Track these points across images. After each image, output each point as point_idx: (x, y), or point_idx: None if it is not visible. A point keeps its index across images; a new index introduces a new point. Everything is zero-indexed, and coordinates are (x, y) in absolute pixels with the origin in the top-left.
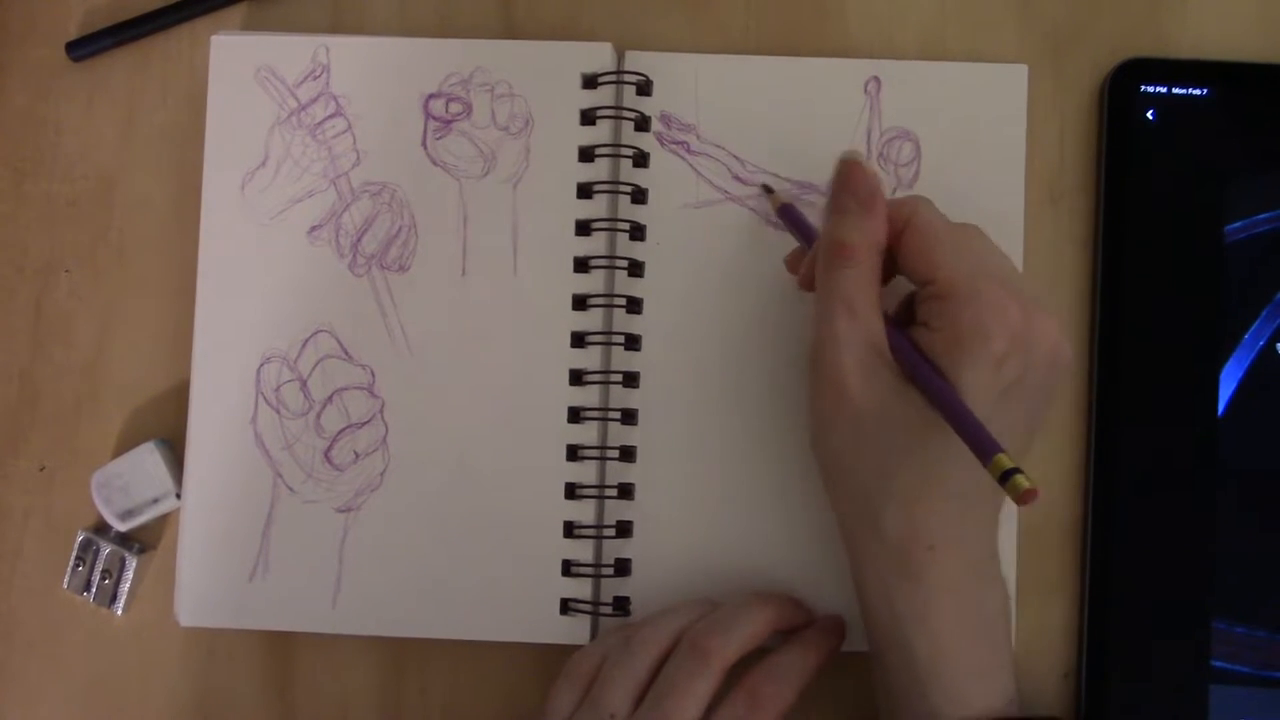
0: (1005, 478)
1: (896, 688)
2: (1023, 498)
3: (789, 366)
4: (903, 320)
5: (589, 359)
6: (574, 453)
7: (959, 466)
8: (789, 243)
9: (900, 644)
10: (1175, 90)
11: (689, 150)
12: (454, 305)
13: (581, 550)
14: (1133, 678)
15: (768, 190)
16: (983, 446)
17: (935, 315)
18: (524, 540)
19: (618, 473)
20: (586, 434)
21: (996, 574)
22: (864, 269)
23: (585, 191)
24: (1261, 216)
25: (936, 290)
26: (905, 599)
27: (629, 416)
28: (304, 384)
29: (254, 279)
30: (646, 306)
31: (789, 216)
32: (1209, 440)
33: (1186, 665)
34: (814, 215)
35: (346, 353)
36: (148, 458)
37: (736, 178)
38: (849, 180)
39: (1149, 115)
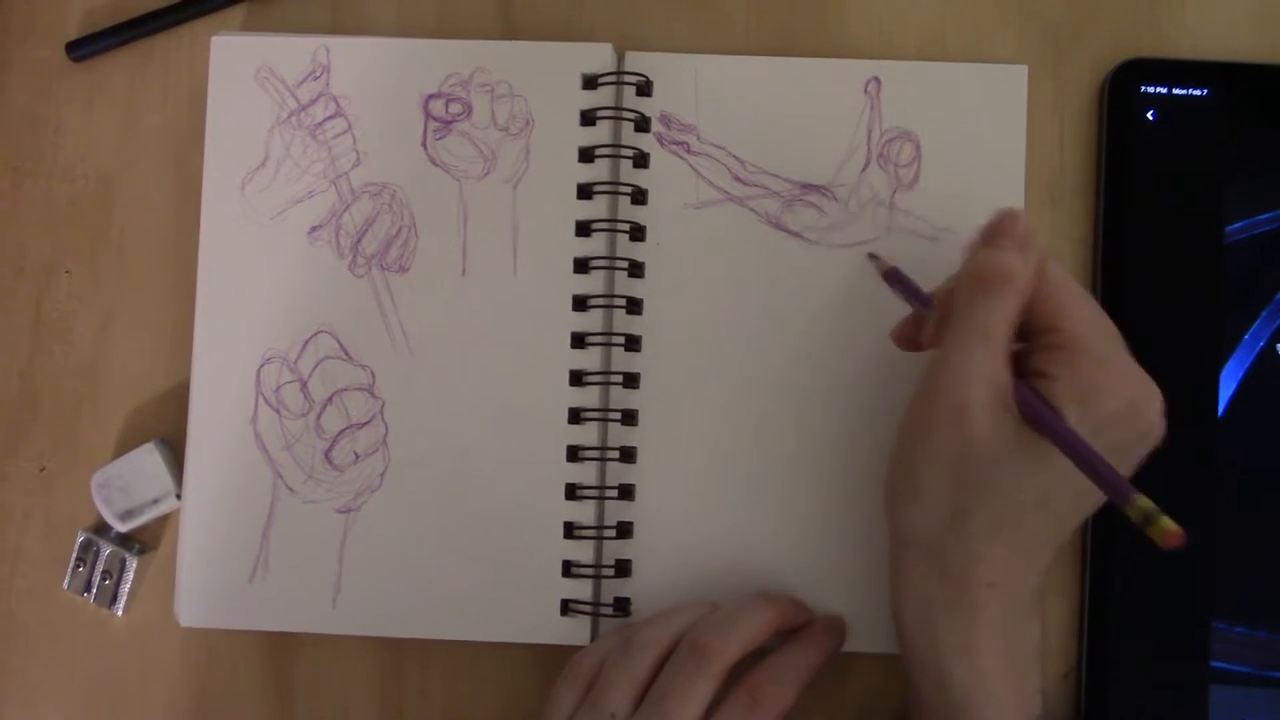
0: (1147, 520)
1: (928, 710)
2: (1168, 539)
3: (789, 366)
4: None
5: (589, 360)
6: (574, 453)
7: (1041, 512)
8: (790, 242)
9: (938, 672)
10: (1175, 90)
11: (689, 150)
12: (454, 305)
13: (582, 551)
14: (1133, 678)
15: (872, 256)
16: (1119, 490)
17: (1055, 365)
18: (524, 541)
19: (618, 473)
20: (587, 435)
21: (1039, 609)
22: (1012, 305)
23: (585, 192)
24: (1261, 217)
25: (1059, 340)
26: (951, 631)
27: (629, 417)
28: (304, 384)
29: (254, 279)
30: (646, 307)
31: (897, 280)
32: (1209, 440)
33: (1186, 665)
34: (813, 215)
35: (346, 353)
36: (148, 458)
37: (736, 178)
38: (1007, 224)
39: (1149, 115)
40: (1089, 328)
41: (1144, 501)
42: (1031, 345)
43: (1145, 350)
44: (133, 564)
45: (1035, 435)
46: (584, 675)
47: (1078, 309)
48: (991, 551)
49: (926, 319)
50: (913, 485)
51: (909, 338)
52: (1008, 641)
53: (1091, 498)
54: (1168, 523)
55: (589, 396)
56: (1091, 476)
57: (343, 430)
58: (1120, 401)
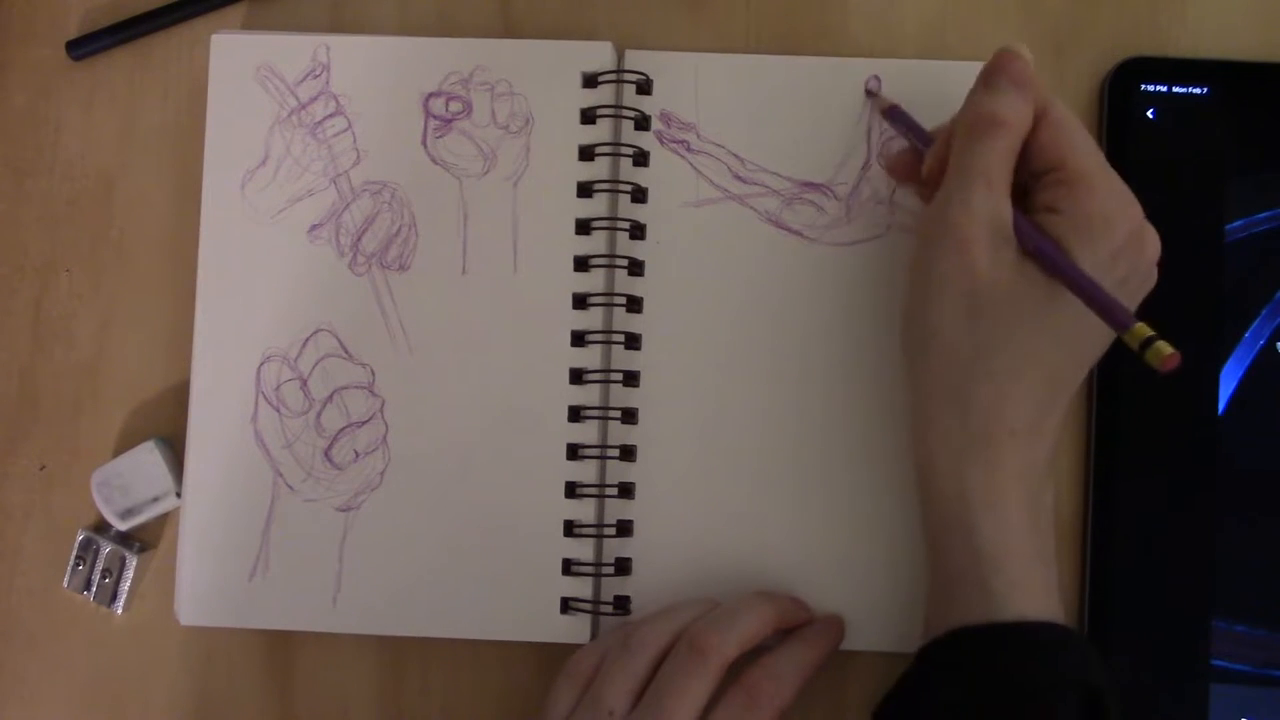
0: (1145, 346)
1: (955, 572)
2: (1166, 363)
3: (789, 364)
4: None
5: (589, 358)
6: (574, 452)
7: (1059, 350)
8: (789, 241)
9: (966, 527)
10: (1175, 89)
11: (689, 149)
12: (454, 304)
13: (582, 549)
14: (1133, 677)
15: (871, 93)
16: (1118, 317)
17: (1061, 199)
18: (524, 539)
19: (618, 472)
20: (587, 433)
21: (1053, 469)
22: (1008, 144)
23: (585, 190)
24: (1261, 216)
25: (1065, 176)
26: (979, 482)
27: (629, 415)
28: (304, 383)
29: (254, 278)
30: (646, 305)
31: (898, 117)
32: (1209, 440)
33: (1186, 665)
34: (813, 213)
35: (347, 352)
36: (147, 457)
37: (736, 176)
38: (1005, 64)
39: (1149, 114)
40: (1092, 163)
41: (1142, 328)
42: (1039, 182)
43: None
44: (132, 562)
45: (1039, 270)
46: (583, 673)
47: (1081, 144)
48: (1013, 394)
49: (926, 154)
50: (928, 328)
51: (905, 169)
52: (1030, 497)
53: (1101, 336)
54: (1165, 346)
55: (589, 395)
56: (1090, 304)
57: (343, 429)
58: (1125, 232)
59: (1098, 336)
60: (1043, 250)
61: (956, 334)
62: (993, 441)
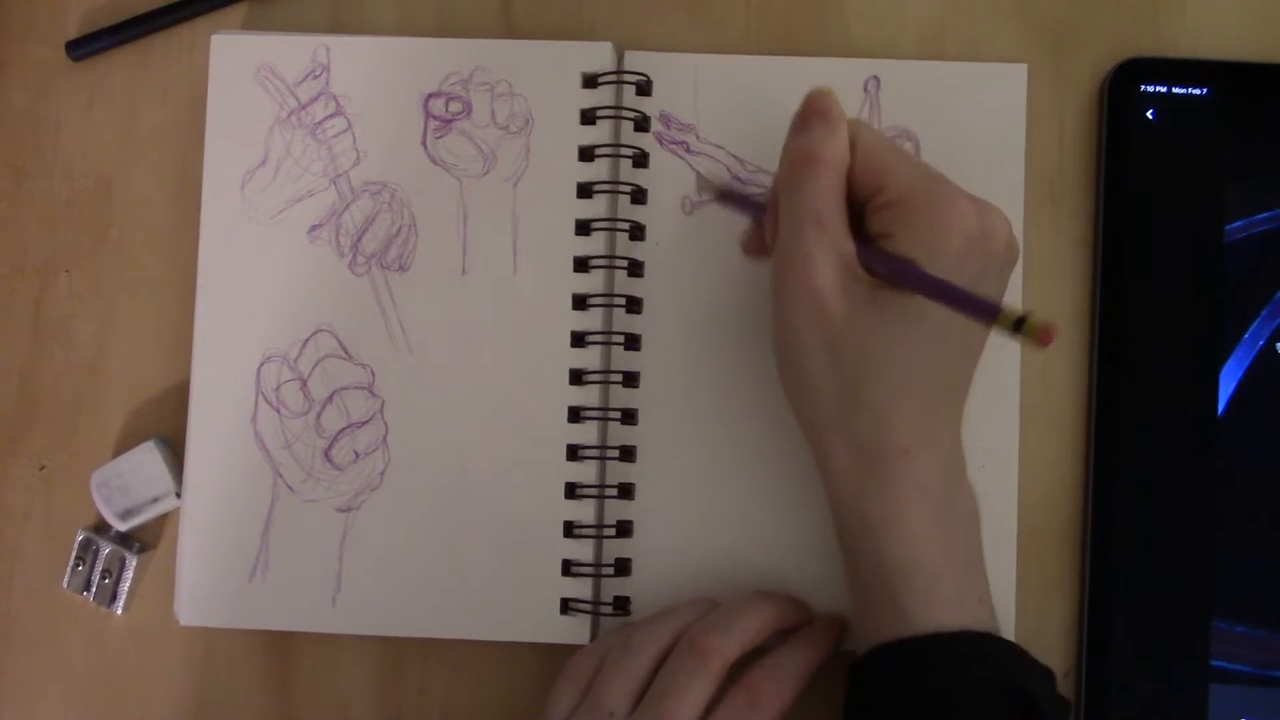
0: (1018, 326)
1: (866, 592)
2: (1042, 336)
3: None
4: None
5: (589, 359)
6: (574, 452)
7: (930, 367)
8: None
9: (871, 549)
10: (1175, 90)
11: (689, 150)
12: (454, 305)
13: (582, 550)
14: (1133, 677)
15: (702, 182)
16: (982, 308)
17: (891, 222)
18: (524, 540)
19: (618, 472)
20: (586, 434)
21: (964, 475)
22: (830, 181)
23: (585, 191)
24: (1261, 216)
25: (889, 198)
26: (877, 504)
27: (629, 416)
28: (304, 383)
29: (254, 279)
30: (646, 306)
31: (732, 198)
32: (1209, 440)
33: (1186, 665)
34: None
35: (346, 352)
36: (147, 457)
37: (736, 178)
38: (811, 102)
39: (1149, 115)
40: (909, 178)
41: (1011, 310)
42: (866, 210)
43: (1145, 349)
44: (132, 563)
45: (893, 293)
46: (584, 674)
47: (897, 164)
48: (896, 416)
49: (765, 221)
50: (800, 378)
51: (756, 245)
52: (935, 509)
53: (970, 343)
54: (1036, 319)
55: (589, 395)
56: (954, 307)
57: (343, 429)
58: (962, 237)
59: (972, 336)
60: (892, 269)
61: (824, 374)
62: (885, 462)
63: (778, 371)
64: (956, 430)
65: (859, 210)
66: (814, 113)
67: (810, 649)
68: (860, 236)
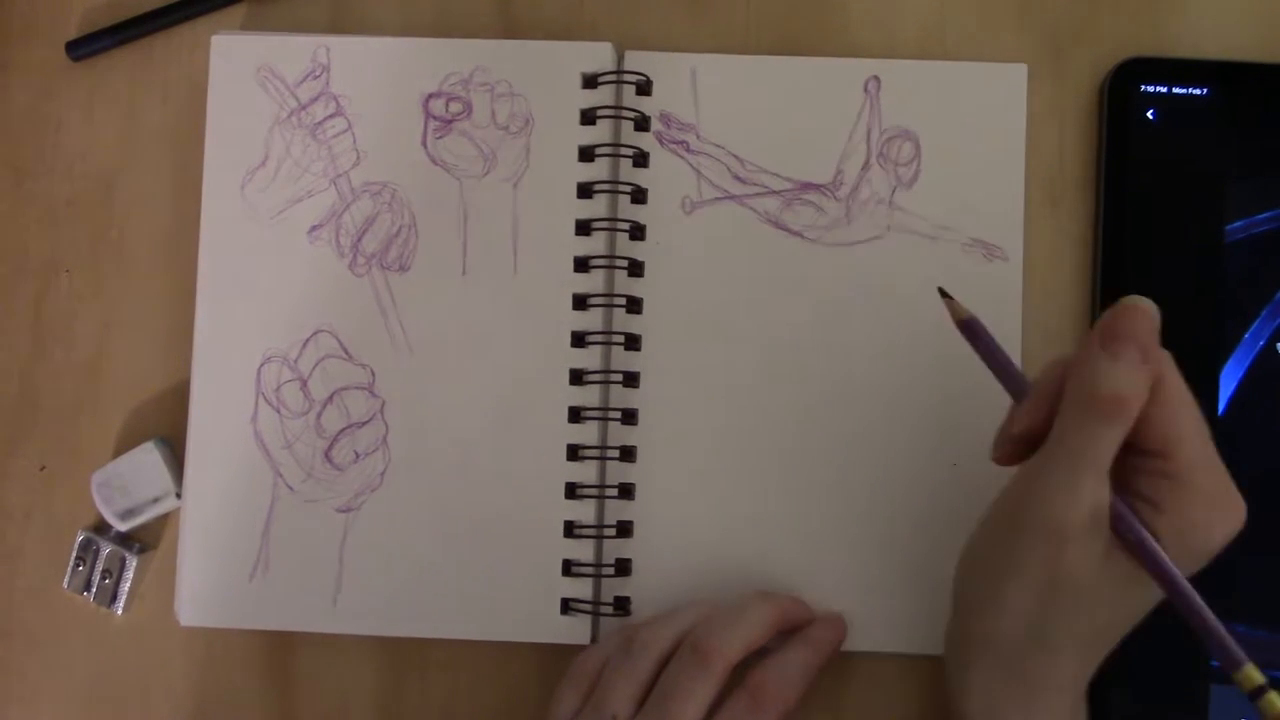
0: (1256, 694)
1: None
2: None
3: (789, 365)
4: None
5: (589, 359)
6: (574, 452)
7: (1120, 627)
8: (789, 241)
9: None
10: (1175, 90)
11: (689, 150)
12: (454, 305)
13: (582, 550)
14: (1133, 677)
15: (944, 294)
16: (1231, 658)
17: (1164, 495)
18: (524, 540)
19: (618, 473)
20: (586, 434)
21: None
22: (1124, 429)
23: (585, 191)
24: (1261, 216)
25: (1171, 469)
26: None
27: (629, 416)
28: (304, 384)
29: (254, 279)
30: (646, 306)
31: (974, 332)
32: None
33: (1186, 665)
34: (813, 214)
35: (347, 352)
36: (148, 457)
37: (736, 177)
38: (1131, 326)
39: (1149, 115)
40: (1199, 455)
41: (1254, 674)
42: (1140, 463)
43: None
44: (132, 563)
45: (1127, 562)
46: (586, 676)
47: (1192, 433)
48: (1068, 662)
49: (1020, 408)
50: (996, 599)
51: (1013, 454)
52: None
53: (1147, 607)
54: (1277, 700)
55: (589, 395)
56: (1200, 632)
57: (343, 429)
58: (1223, 538)
59: (1152, 600)
60: (1144, 550)
61: (1023, 610)
62: (1036, 699)
63: (961, 569)
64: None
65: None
66: (1131, 338)
67: (813, 650)
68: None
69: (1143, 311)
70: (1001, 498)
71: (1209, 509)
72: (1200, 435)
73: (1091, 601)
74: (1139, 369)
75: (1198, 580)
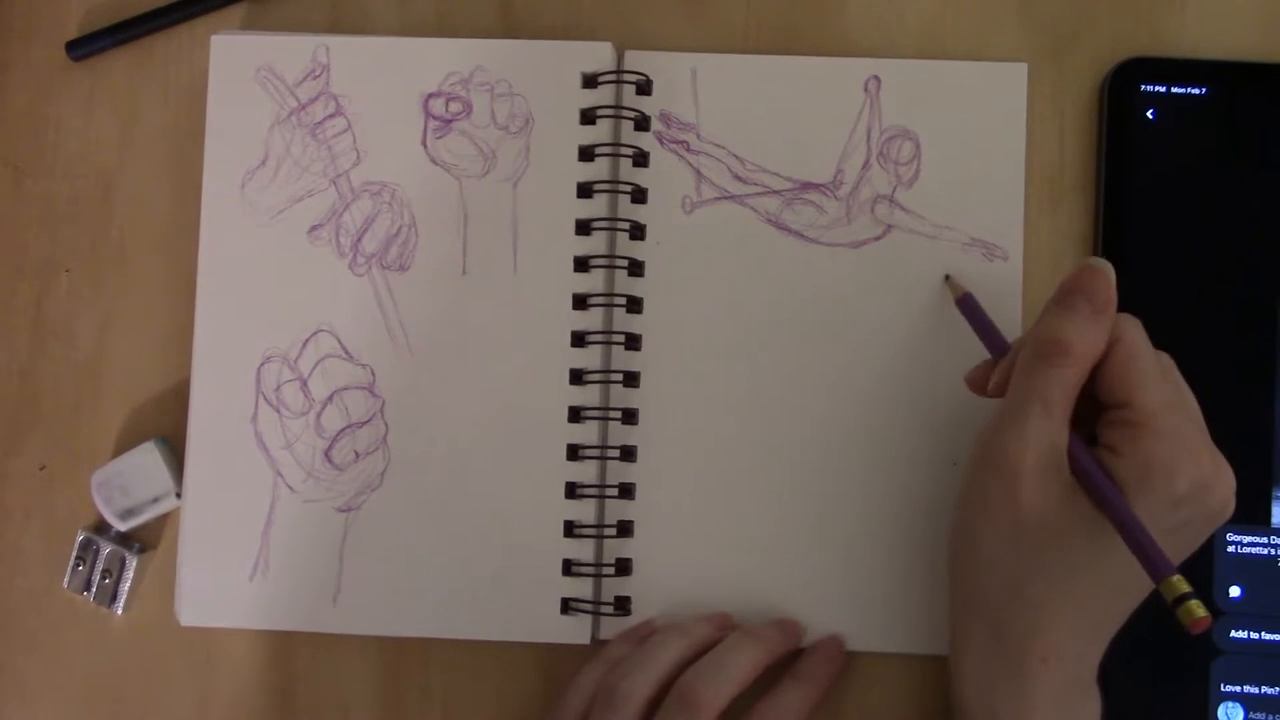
0: (1178, 602)
1: None
2: (1195, 625)
3: (789, 364)
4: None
5: (589, 358)
6: (574, 452)
7: (1098, 586)
8: (789, 243)
9: None
10: (1175, 90)
11: (689, 149)
12: (454, 304)
13: (582, 550)
14: (1133, 677)
15: (947, 279)
16: (1157, 567)
17: (1125, 441)
18: (524, 540)
19: (618, 472)
20: (587, 433)
21: (1094, 682)
22: (1074, 373)
23: (585, 191)
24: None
25: (1131, 416)
26: (1008, 702)
27: (629, 416)
28: (304, 383)
29: (254, 279)
30: (646, 306)
31: (970, 307)
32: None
33: (1188, 664)
34: (813, 213)
35: (347, 352)
36: (147, 457)
37: (736, 177)
38: (1084, 282)
39: (1149, 114)
40: (1162, 404)
41: (1180, 583)
42: (1103, 415)
43: None
44: (132, 563)
45: (1090, 511)
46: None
47: (1149, 382)
48: (1048, 624)
49: (996, 367)
50: (972, 550)
51: (981, 383)
52: (1061, 717)
53: (1146, 581)
54: (1197, 607)
55: (589, 395)
56: (1131, 545)
57: (343, 429)
58: (1188, 483)
59: (1145, 579)
60: (1098, 488)
61: (997, 559)
62: (1023, 668)
63: (948, 535)
64: (1100, 650)
65: (1085, 406)
66: (1081, 292)
67: (810, 686)
68: (1084, 432)
69: (1097, 271)
70: (971, 451)
71: (1169, 452)
72: (1158, 384)
73: (1058, 549)
74: (1089, 319)
75: None
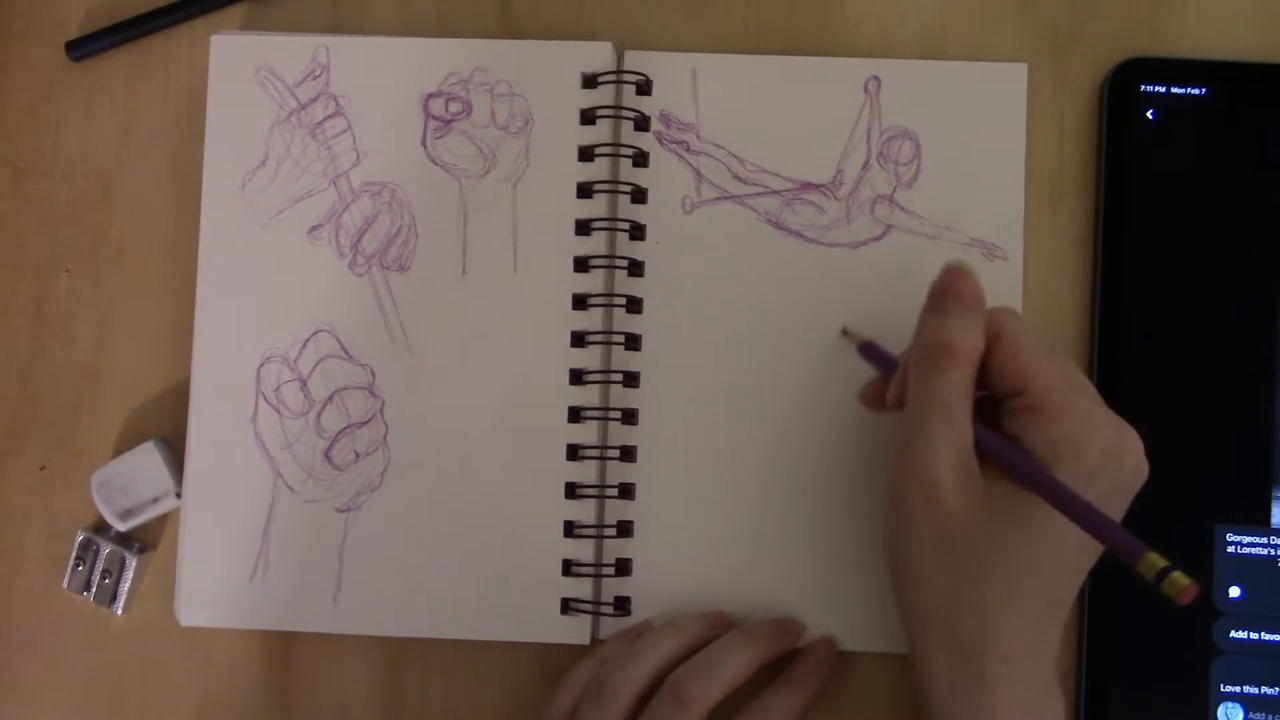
0: (1160, 576)
1: None
2: (1183, 594)
3: (789, 364)
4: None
5: (589, 359)
6: (574, 452)
7: (1040, 574)
8: (789, 243)
9: None
10: (1175, 90)
11: (689, 149)
12: (454, 305)
13: (582, 550)
14: (1133, 677)
15: (845, 332)
16: (1128, 547)
17: (1028, 427)
18: (524, 540)
19: (618, 472)
20: (586, 434)
21: (1056, 683)
22: (964, 373)
23: (585, 191)
24: None
25: (1029, 402)
26: (972, 710)
27: (629, 416)
28: (304, 384)
29: (254, 279)
30: (646, 306)
31: (872, 353)
32: None
33: (1188, 664)
34: (813, 214)
35: (346, 352)
36: (147, 457)
37: (736, 177)
38: (953, 284)
39: (1149, 115)
40: (1054, 384)
41: (1156, 558)
42: (1002, 407)
43: (1146, 349)
44: (132, 563)
45: (1011, 495)
46: (562, 715)
47: (1040, 366)
48: (998, 624)
49: (893, 379)
50: (907, 566)
51: (876, 399)
52: (1028, 718)
53: (1086, 554)
54: (1181, 577)
55: (589, 395)
56: (1091, 530)
57: (343, 429)
58: (1097, 453)
59: (1087, 551)
60: (1028, 476)
61: (933, 568)
62: (984, 671)
63: (884, 554)
64: (1057, 639)
65: (985, 397)
66: (951, 294)
67: (800, 691)
68: (988, 426)
69: (961, 271)
70: (888, 465)
71: (1072, 428)
72: (1049, 366)
73: (988, 546)
74: (964, 318)
75: None
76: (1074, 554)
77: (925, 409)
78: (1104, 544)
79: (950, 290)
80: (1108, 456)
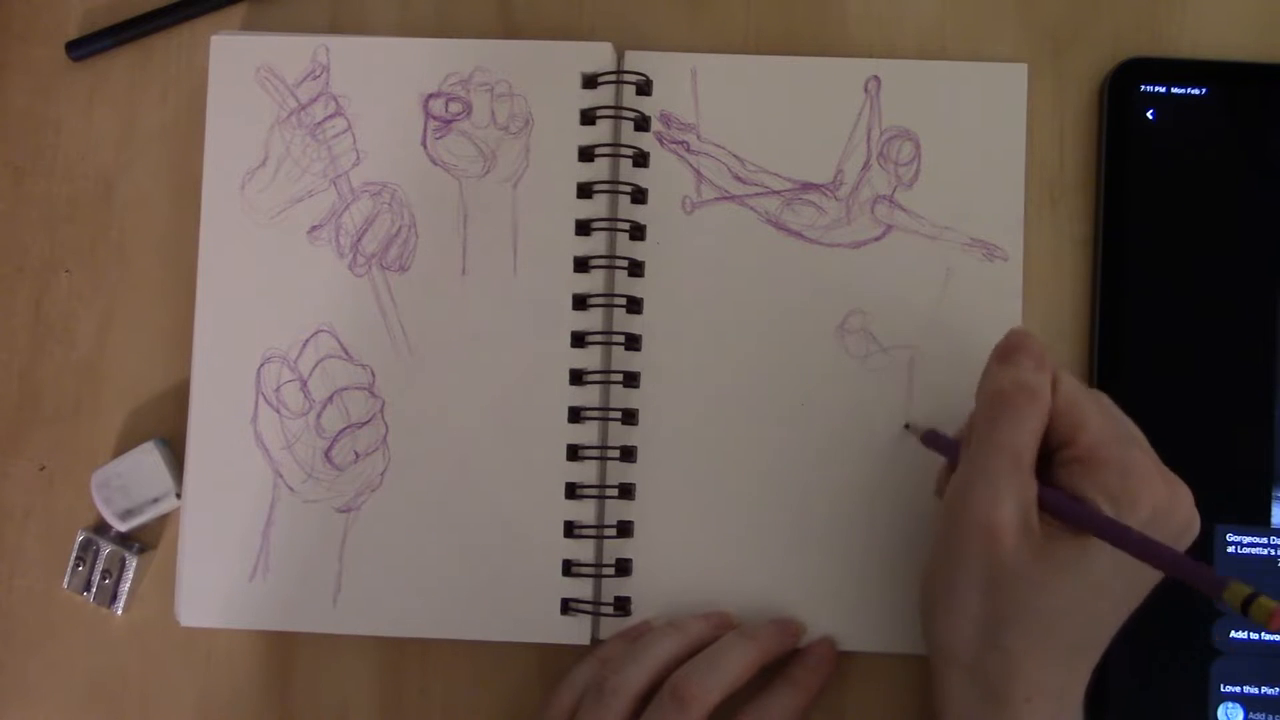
0: (1247, 604)
1: None
2: (1273, 619)
3: (789, 364)
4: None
5: (589, 359)
6: (574, 452)
7: (1078, 621)
8: (789, 243)
9: None
10: (1175, 90)
11: (689, 150)
12: (454, 305)
13: (582, 550)
14: (1134, 677)
15: (908, 427)
16: (1212, 581)
17: (1080, 481)
18: (524, 540)
19: (618, 473)
20: (587, 434)
21: (1080, 714)
22: (1037, 420)
23: (585, 191)
24: None
25: (1078, 454)
26: None
27: (629, 416)
28: (304, 384)
29: (254, 279)
30: (646, 306)
31: (935, 440)
32: None
33: (1188, 664)
34: (813, 214)
35: (347, 353)
36: (147, 457)
37: (736, 177)
38: (1020, 341)
39: (1149, 115)
40: (1107, 437)
41: (1241, 587)
42: (1053, 460)
43: (1146, 350)
44: (132, 563)
45: (1062, 545)
46: (562, 716)
47: (1093, 419)
48: (1028, 664)
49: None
50: (948, 603)
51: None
52: None
53: (1128, 599)
54: (1269, 602)
55: (589, 395)
56: (1172, 571)
57: (343, 429)
58: (1149, 510)
59: (1129, 596)
60: (1098, 528)
61: (973, 608)
62: (1007, 706)
63: (922, 586)
64: (1084, 680)
65: (1040, 462)
66: (1021, 349)
67: (799, 691)
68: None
69: (1027, 334)
70: (942, 507)
71: (1124, 481)
72: (1102, 419)
73: (1033, 593)
74: (1036, 369)
75: None
76: (1113, 602)
77: (992, 454)
78: (1187, 581)
79: (1020, 345)
80: (1158, 512)
